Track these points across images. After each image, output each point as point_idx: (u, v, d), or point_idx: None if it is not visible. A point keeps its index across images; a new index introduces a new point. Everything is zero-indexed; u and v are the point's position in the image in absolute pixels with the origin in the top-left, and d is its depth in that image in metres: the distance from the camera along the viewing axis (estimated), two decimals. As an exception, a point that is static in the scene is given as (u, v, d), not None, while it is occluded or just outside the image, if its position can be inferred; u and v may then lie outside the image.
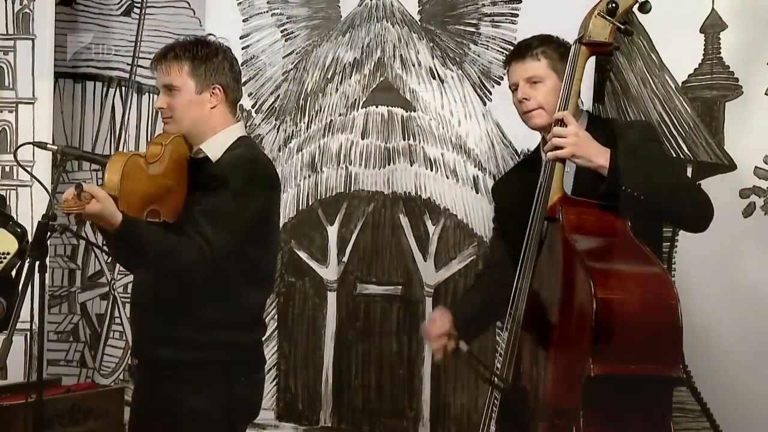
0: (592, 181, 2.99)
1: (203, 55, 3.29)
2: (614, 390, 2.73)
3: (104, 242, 3.24)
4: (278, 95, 4.56)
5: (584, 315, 2.72)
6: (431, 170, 4.27)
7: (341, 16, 4.47)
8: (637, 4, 3.03)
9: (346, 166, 4.40)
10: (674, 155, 3.76)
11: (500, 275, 3.35)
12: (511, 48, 4.00)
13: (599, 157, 2.91)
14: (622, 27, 3.03)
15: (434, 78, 4.29)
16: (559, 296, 2.89)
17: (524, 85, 3.20)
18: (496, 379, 3.06)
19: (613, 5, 3.00)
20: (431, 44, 4.29)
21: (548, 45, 3.19)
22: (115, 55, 5.11)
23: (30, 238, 3.22)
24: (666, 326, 2.74)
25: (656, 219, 3.10)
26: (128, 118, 5.08)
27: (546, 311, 2.94)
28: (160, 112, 3.36)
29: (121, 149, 5.03)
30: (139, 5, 5.07)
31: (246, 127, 4.26)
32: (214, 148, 3.30)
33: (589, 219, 2.92)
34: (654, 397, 2.78)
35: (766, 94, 3.66)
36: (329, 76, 4.47)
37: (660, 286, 2.78)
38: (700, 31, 3.76)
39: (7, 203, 3.88)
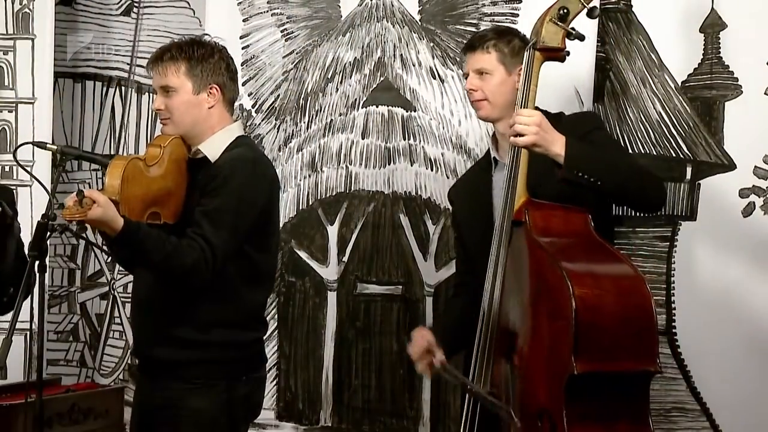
0: (544, 174, 3.02)
1: (200, 55, 3.30)
2: (595, 388, 2.75)
3: (104, 243, 3.24)
4: (278, 95, 4.56)
5: (563, 314, 2.74)
6: (431, 170, 4.27)
7: (341, 16, 4.47)
8: (585, 10, 3.07)
9: (346, 165, 4.40)
10: (674, 155, 3.76)
11: (472, 281, 3.38)
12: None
13: (555, 145, 2.95)
14: (573, 32, 3.07)
15: (434, 78, 4.29)
16: (531, 299, 2.91)
17: (473, 76, 3.32)
18: (467, 385, 3.08)
19: (565, 11, 3.05)
20: (431, 44, 4.29)
21: (502, 39, 3.30)
22: (115, 54, 5.12)
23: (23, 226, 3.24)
24: (643, 321, 2.78)
25: (612, 203, 3.17)
26: (128, 118, 5.09)
27: (517, 315, 2.96)
28: (157, 114, 3.37)
29: (121, 150, 5.03)
30: (137, 5, 5.07)
31: (246, 126, 4.27)
32: (213, 148, 3.30)
33: (555, 221, 2.98)
34: (633, 391, 2.81)
35: (765, 93, 3.66)
36: (329, 76, 4.47)
37: (633, 283, 2.82)
38: (700, 31, 3.76)
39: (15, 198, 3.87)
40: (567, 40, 3.05)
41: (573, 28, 3.07)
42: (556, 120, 3.13)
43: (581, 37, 3.13)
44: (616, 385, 2.77)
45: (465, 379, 3.14)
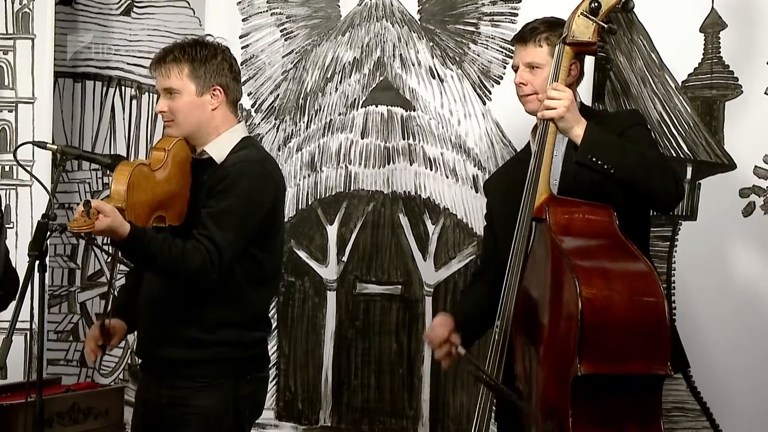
0: (577, 171, 3.02)
1: (203, 56, 3.30)
2: (603, 389, 2.73)
3: (104, 242, 3.25)
4: (278, 94, 4.56)
5: (571, 315, 2.73)
6: (431, 169, 4.27)
7: (341, 16, 4.47)
8: (621, 3, 3.03)
9: (345, 165, 4.40)
10: (674, 154, 3.76)
11: (495, 273, 3.36)
12: (511, 48, 4.02)
13: (578, 126, 2.94)
14: (606, 26, 3.04)
15: (434, 77, 4.29)
16: (548, 296, 2.90)
17: (523, 70, 3.24)
18: (487, 377, 3.06)
19: (596, 4, 3.00)
20: (431, 43, 4.29)
21: (554, 31, 3.19)
22: (115, 54, 5.12)
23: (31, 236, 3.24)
24: (653, 324, 2.75)
25: (630, 199, 3.04)
26: (135, 119, 5.10)
27: (535, 311, 2.95)
28: (161, 116, 3.36)
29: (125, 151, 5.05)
30: (140, 5, 5.08)
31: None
32: (219, 149, 3.31)
33: (577, 219, 2.94)
34: (643, 395, 2.78)
35: (765, 93, 3.66)
36: (329, 76, 4.47)
37: (646, 285, 2.79)
38: (700, 31, 3.77)
39: (4, 203, 3.86)
40: (600, 34, 3.02)
41: (607, 22, 3.03)
42: (599, 116, 3.12)
43: (614, 32, 3.09)
44: (625, 388, 2.75)
45: (486, 372, 3.11)
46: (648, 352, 2.75)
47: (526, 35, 3.25)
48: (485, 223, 3.51)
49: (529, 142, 3.34)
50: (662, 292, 2.78)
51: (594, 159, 2.90)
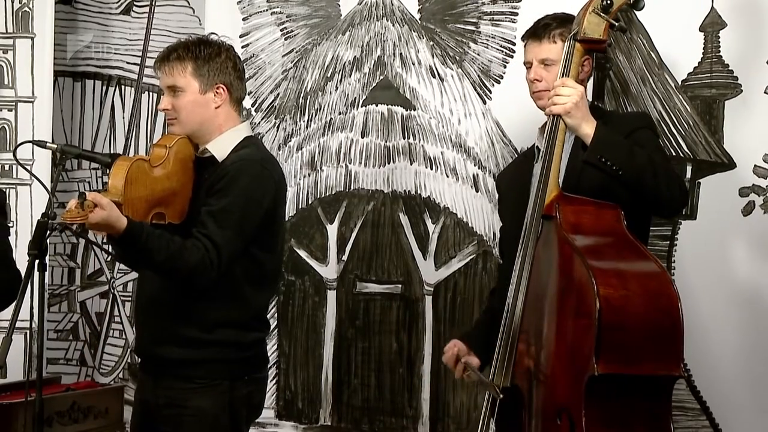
0: (581, 170, 3.02)
1: (206, 54, 3.30)
2: (617, 389, 2.73)
3: (104, 241, 3.25)
4: (278, 94, 4.56)
5: (587, 313, 2.72)
6: (431, 169, 4.27)
7: (341, 15, 4.47)
8: (631, 1, 3.03)
9: (345, 164, 4.40)
10: (673, 154, 3.76)
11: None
12: (511, 47, 4.03)
13: (588, 125, 2.94)
14: (617, 24, 3.04)
15: (434, 76, 4.29)
16: (558, 295, 2.88)
17: (537, 66, 3.22)
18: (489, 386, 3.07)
19: (608, 2, 3.01)
20: (431, 43, 4.29)
21: (566, 27, 3.18)
22: (115, 53, 5.12)
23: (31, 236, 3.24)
24: (668, 324, 2.75)
25: (635, 202, 3.02)
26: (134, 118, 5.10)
27: (543, 310, 2.94)
28: (164, 114, 3.36)
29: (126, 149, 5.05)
30: (140, 5, 5.08)
31: (248, 125, 4.27)
32: (221, 148, 3.31)
33: (586, 217, 2.93)
34: (655, 395, 2.78)
35: (765, 92, 3.66)
36: (329, 75, 4.47)
37: (661, 285, 2.79)
38: (700, 30, 3.76)
39: (7, 200, 3.88)
40: (610, 32, 3.02)
41: (617, 19, 3.03)
42: (606, 116, 3.13)
43: (624, 30, 3.10)
44: (638, 388, 2.75)
45: (484, 378, 3.12)
46: (663, 352, 2.75)
47: (540, 31, 3.24)
48: (501, 226, 3.50)
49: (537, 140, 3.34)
50: (676, 292, 2.79)
51: (603, 159, 2.90)
